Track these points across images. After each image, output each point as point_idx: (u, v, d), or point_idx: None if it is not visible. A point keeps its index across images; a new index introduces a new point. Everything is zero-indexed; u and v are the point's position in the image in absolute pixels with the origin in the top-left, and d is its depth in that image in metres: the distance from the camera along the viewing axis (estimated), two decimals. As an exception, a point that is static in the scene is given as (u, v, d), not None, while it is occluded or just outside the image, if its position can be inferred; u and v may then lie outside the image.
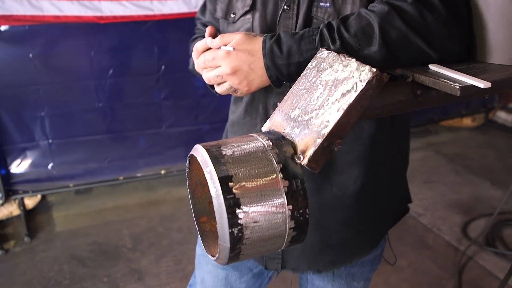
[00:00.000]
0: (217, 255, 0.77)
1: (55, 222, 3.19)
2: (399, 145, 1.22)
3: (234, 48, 0.97)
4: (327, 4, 1.02)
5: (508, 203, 2.80)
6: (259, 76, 0.97)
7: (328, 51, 0.86)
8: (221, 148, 0.76)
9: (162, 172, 3.55)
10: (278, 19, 1.08)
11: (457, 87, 0.78)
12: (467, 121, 4.40)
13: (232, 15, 1.16)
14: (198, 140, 3.39)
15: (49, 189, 3.31)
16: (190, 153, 0.82)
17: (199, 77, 1.13)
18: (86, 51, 3.13)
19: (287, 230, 0.76)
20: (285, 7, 1.06)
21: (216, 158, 0.74)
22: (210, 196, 0.88)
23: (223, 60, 0.98)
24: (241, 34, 0.98)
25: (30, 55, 3.01)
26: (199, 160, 0.76)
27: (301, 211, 0.75)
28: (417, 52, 0.89)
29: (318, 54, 0.88)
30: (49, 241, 2.97)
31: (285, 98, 0.89)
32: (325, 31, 0.92)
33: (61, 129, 3.22)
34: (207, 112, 3.56)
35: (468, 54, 0.93)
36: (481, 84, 0.77)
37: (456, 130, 4.41)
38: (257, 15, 1.10)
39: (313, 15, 1.03)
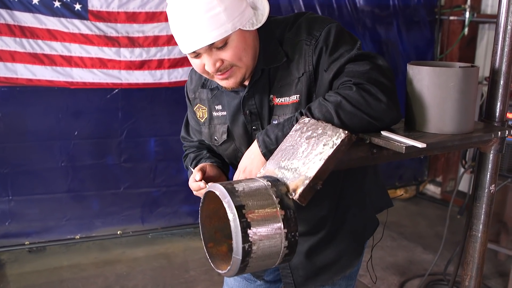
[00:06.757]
0: (228, 267, 1.00)
1: (9, 280, 3.19)
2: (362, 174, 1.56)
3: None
4: (277, 122, 1.38)
5: (438, 265, 3.15)
6: (257, 161, 1.28)
7: (309, 118, 1.16)
8: (234, 185, 1.02)
9: (118, 232, 3.67)
10: (251, 136, 1.47)
11: (403, 146, 1.08)
12: (400, 193, 4.83)
13: (215, 140, 1.56)
14: (154, 202, 3.61)
15: (4, 246, 3.34)
16: (207, 190, 1.06)
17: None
18: (54, 113, 3.31)
19: (282, 248, 1.00)
20: (253, 128, 1.46)
21: (232, 192, 0.99)
22: (216, 227, 1.13)
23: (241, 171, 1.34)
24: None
25: (0, 114, 3.15)
26: (217, 194, 1.00)
27: (292, 233, 1.00)
28: (366, 124, 1.20)
29: (301, 120, 1.17)
30: (4, 298, 2.98)
31: (275, 153, 1.17)
32: (299, 116, 1.23)
33: (22, 187, 3.32)
34: (163, 176, 3.76)
35: (410, 125, 1.25)
36: (419, 145, 1.08)
37: (391, 201, 4.81)
38: (236, 140, 1.51)
39: None
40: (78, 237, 3.56)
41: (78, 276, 3.29)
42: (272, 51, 1.39)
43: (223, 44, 1.28)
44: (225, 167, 1.60)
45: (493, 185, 1.37)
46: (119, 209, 3.66)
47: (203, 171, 1.46)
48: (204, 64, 1.32)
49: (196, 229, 3.95)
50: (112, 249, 3.68)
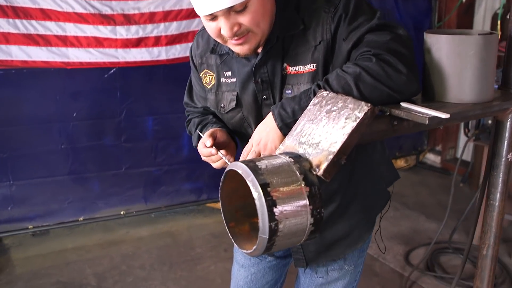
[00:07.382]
0: (254, 247, 0.98)
1: (14, 264, 3.19)
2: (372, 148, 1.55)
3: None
4: (290, 92, 1.36)
5: (442, 233, 3.16)
6: (273, 134, 1.25)
7: (327, 92, 1.13)
8: (256, 163, 0.99)
9: (122, 213, 3.66)
10: (261, 106, 1.43)
11: (426, 118, 1.06)
12: (400, 163, 4.83)
13: (222, 107, 1.51)
14: (156, 182, 3.58)
15: (7, 231, 3.32)
16: (227, 169, 1.04)
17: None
18: (52, 95, 3.26)
19: (308, 225, 0.98)
20: (264, 97, 1.42)
21: (255, 170, 0.97)
22: (237, 206, 1.11)
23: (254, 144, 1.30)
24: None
25: (-4, 98, 3.10)
26: (240, 172, 0.98)
27: (318, 210, 0.98)
28: (386, 97, 1.17)
29: (319, 94, 1.14)
30: (11, 282, 2.98)
31: (294, 128, 1.14)
32: (316, 89, 1.19)
33: (23, 171, 3.28)
34: (165, 155, 3.73)
35: (428, 95, 1.23)
36: (443, 115, 1.05)
37: (391, 171, 4.82)
38: (244, 108, 1.46)
39: None
40: (81, 219, 3.54)
41: (84, 258, 3.28)
42: (289, 18, 1.34)
43: (242, 8, 1.24)
44: (233, 132, 1.56)
45: (510, 154, 1.35)
46: (121, 189, 3.63)
47: (213, 136, 1.43)
48: (220, 28, 1.28)
49: (199, 206, 3.95)
50: (116, 230, 3.67)
